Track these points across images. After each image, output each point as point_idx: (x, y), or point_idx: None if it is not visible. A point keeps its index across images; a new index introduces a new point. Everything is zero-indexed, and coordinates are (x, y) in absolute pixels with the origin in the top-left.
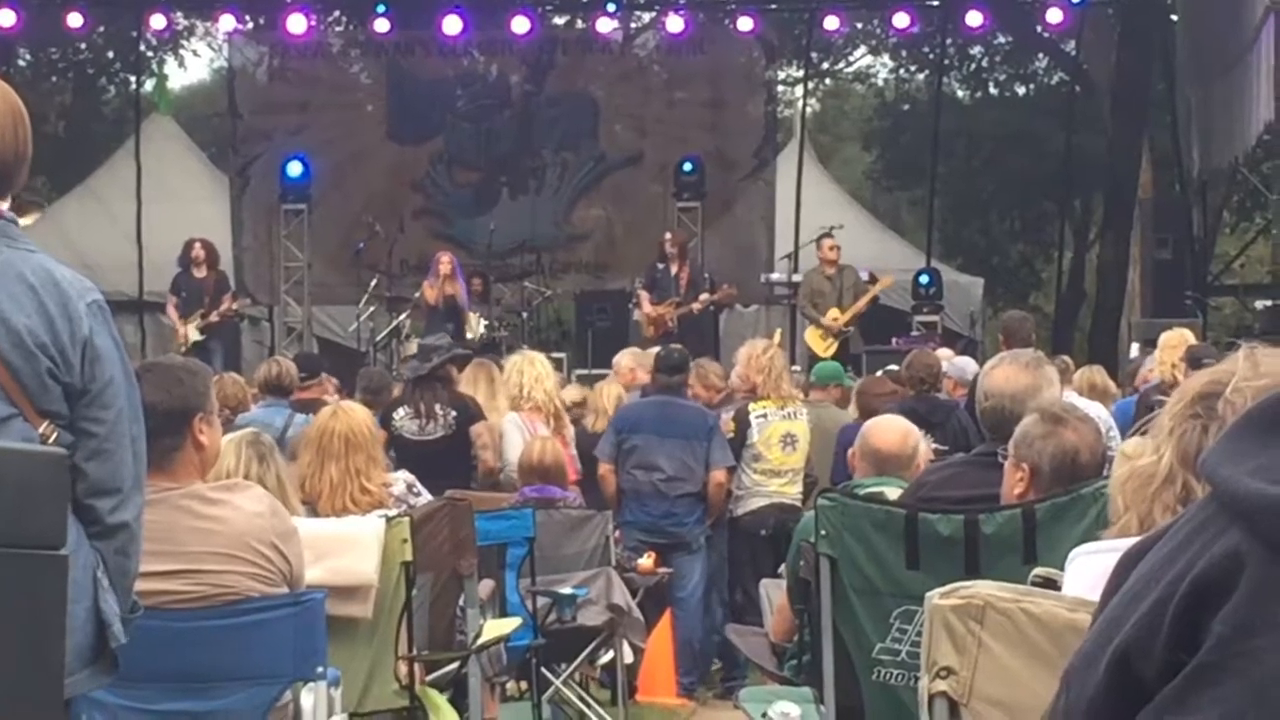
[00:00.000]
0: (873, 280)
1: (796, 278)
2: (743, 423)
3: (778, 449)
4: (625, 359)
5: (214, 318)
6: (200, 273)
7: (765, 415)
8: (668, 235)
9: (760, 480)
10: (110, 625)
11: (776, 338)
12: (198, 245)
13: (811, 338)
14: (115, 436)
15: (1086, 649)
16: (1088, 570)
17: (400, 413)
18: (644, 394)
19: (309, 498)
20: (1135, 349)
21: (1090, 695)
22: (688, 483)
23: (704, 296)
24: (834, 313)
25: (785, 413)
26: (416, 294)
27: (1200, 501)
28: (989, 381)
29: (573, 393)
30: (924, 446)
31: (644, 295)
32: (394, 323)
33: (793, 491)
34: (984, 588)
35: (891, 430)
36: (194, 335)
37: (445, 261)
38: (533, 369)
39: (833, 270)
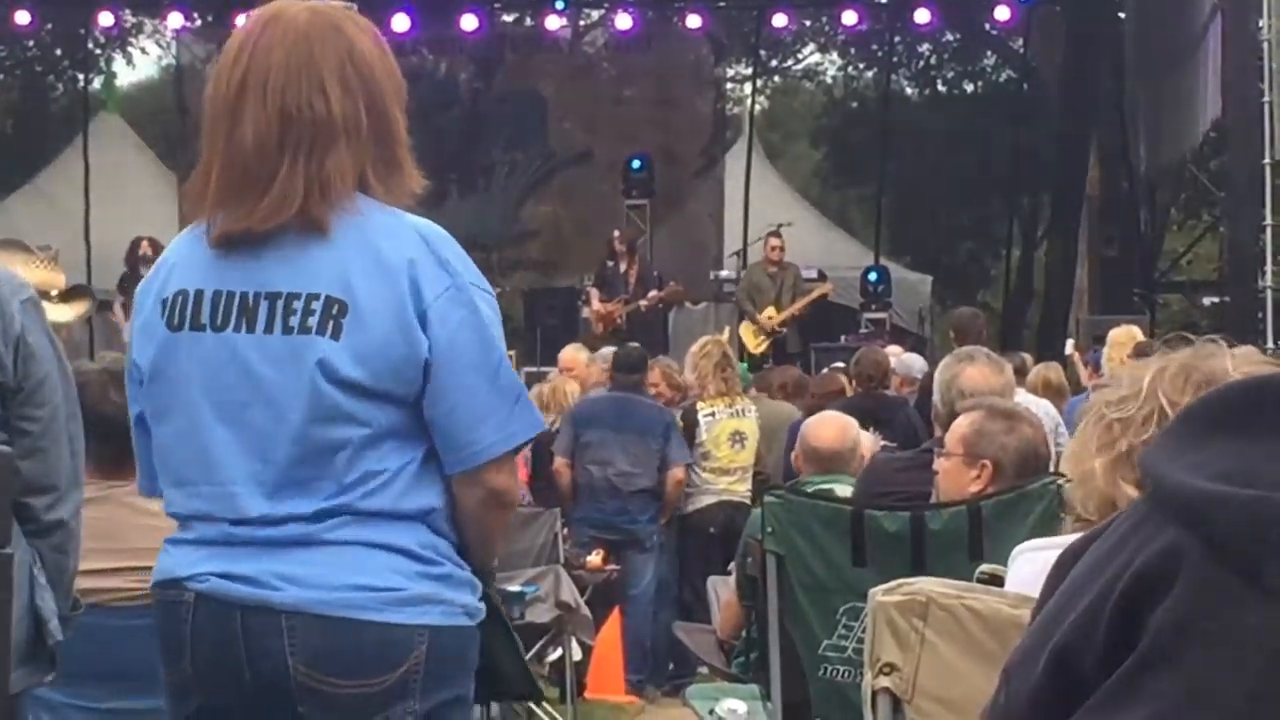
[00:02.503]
0: (821, 278)
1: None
2: (691, 421)
3: (726, 447)
4: (569, 353)
5: None
6: (147, 271)
7: (714, 414)
8: (616, 233)
9: (709, 478)
10: (47, 622)
11: (725, 335)
12: (145, 243)
13: (745, 333)
14: (51, 434)
15: (1026, 645)
16: (1031, 567)
17: None
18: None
19: None
20: (1070, 345)
21: (1029, 691)
22: (642, 478)
23: (653, 294)
24: (770, 311)
25: (733, 410)
26: None
27: (1138, 499)
28: (965, 380)
29: None
30: (867, 441)
31: (593, 293)
32: None
33: (741, 489)
34: (927, 584)
35: (829, 427)
36: None
37: None
38: None
39: (775, 268)
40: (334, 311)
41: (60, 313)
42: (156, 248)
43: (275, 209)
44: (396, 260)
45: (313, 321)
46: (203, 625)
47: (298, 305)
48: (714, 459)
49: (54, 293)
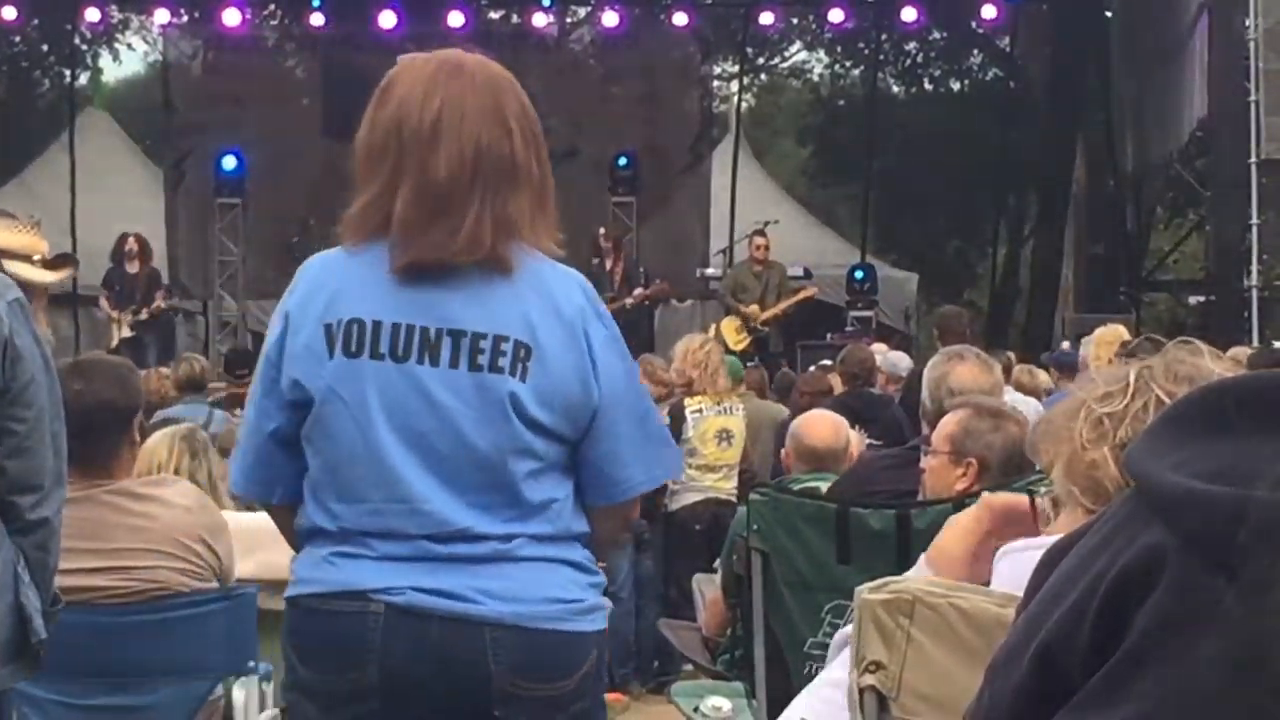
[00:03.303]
0: (807, 276)
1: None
2: (678, 418)
3: (713, 444)
4: None
5: (144, 315)
6: (133, 267)
7: (701, 410)
8: (602, 230)
9: (695, 475)
10: (31, 620)
11: (712, 332)
12: (131, 239)
13: (727, 329)
14: (36, 434)
15: (1010, 645)
16: (1016, 567)
17: None
18: None
19: None
20: (1065, 345)
21: (1013, 691)
22: None
23: (638, 291)
24: (754, 308)
25: (721, 408)
26: None
27: (1123, 497)
28: (955, 379)
29: None
30: (853, 439)
31: None
32: None
33: (728, 486)
34: (913, 582)
35: (822, 425)
36: (125, 331)
37: None
38: None
39: (760, 267)
40: (521, 354)
41: (43, 275)
42: (142, 243)
43: (470, 246)
44: (571, 311)
45: (504, 362)
46: (395, 635)
47: (485, 345)
48: (700, 456)
49: (36, 257)
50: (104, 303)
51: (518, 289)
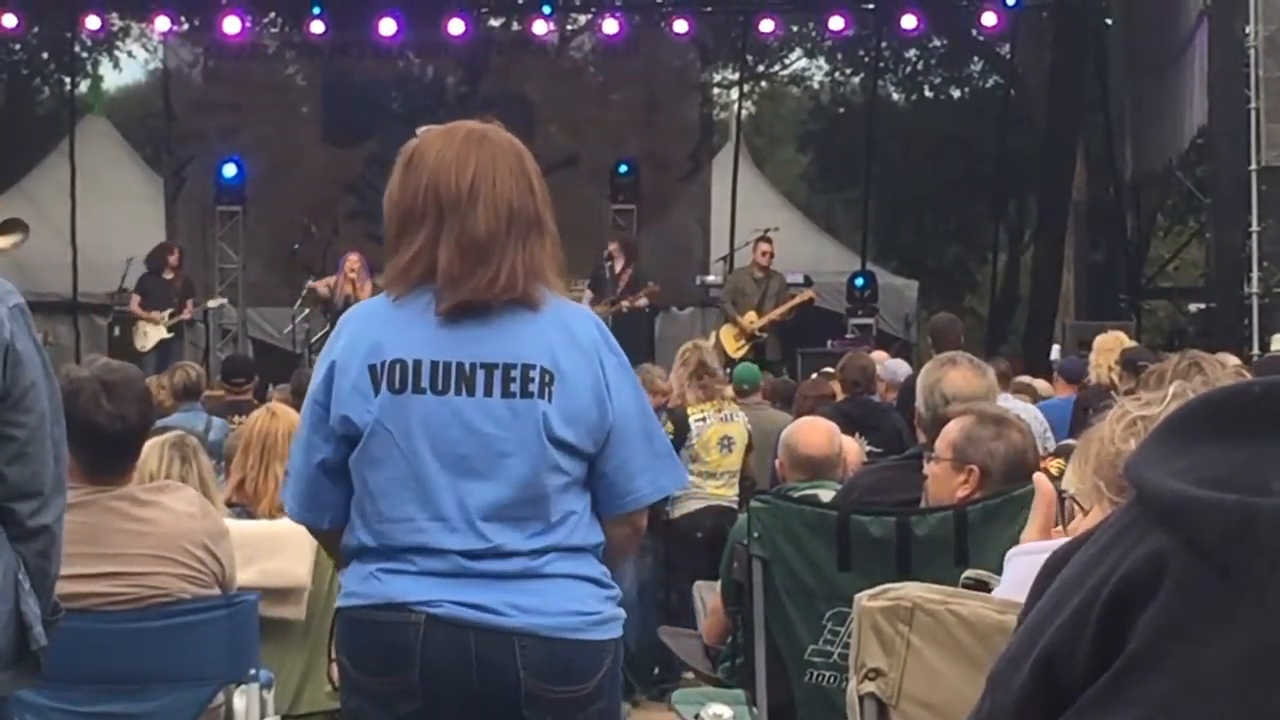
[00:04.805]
0: (807, 283)
1: None
2: (681, 424)
3: (715, 451)
4: None
5: (185, 315)
6: (170, 275)
7: (705, 418)
8: (613, 245)
9: (697, 482)
10: (32, 628)
11: (712, 340)
12: (176, 252)
13: (725, 335)
14: (37, 440)
15: (1011, 652)
16: (1025, 569)
17: None
18: None
19: (249, 499)
20: (1056, 350)
21: (1014, 699)
22: None
23: (630, 297)
24: (751, 315)
25: (723, 415)
26: (307, 287)
27: (1125, 505)
28: (948, 385)
29: None
30: (854, 446)
31: (586, 294)
32: (326, 325)
33: (729, 494)
34: (912, 589)
35: (815, 433)
36: (163, 333)
37: (353, 261)
38: None
39: (761, 274)
40: (546, 379)
41: None
42: (182, 257)
43: (508, 288)
44: (587, 341)
45: (533, 388)
46: (436, 643)
47: (515, 374)
48: (702, 462)
49: None
50: (135, 307)
51: (540, 324)
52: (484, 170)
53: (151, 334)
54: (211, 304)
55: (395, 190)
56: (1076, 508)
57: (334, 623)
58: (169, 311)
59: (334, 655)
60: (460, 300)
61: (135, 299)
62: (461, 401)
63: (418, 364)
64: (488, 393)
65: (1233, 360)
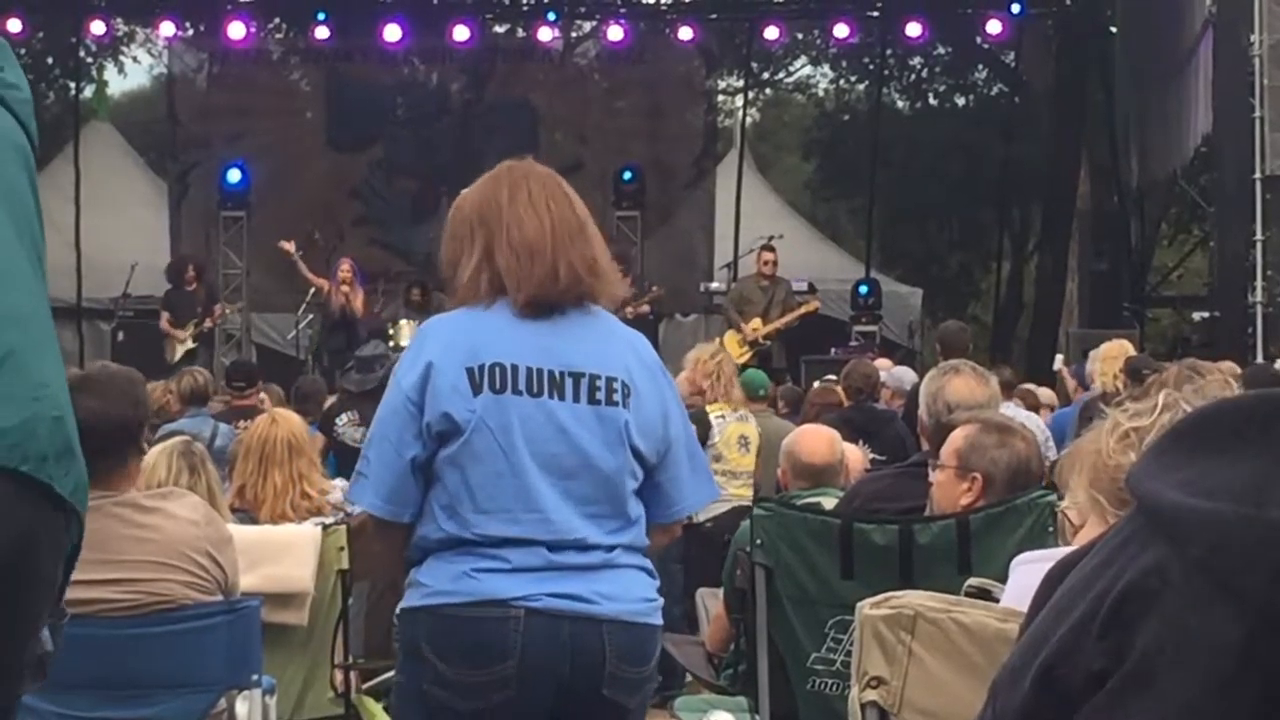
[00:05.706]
0: (811, 290)
1: None
2: (703, 423)
3: (735, 449)
4: None
5: (208, 324)
6: (192, 286)
7: (723, 416)
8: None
9: (721, 483)
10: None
11: (718, 343)
12: (191, 267)
13: (729, 342)
14: None
15: (1013, 662)
16: (1030, 578)
17: (343, 419)
18: None
19: (250, 505)
20: (1059, 360)
21: (1016, 708)
22: None
23: (634, 303)
24: (755, 323)
25: (739, 415)
26: (312, 292)
27: (1126, 516)
28: (951, 393)
29: None
30: (857, 453)
31: None
32: (323, 330)
33: (747, 494)
34: (914, 597)
35: (817, 441)
36: (190, 344)
37: (344, 268)
38: None
39: (766, 282)
40: (625, 392)
41: None
42: (199, 268)
43: (571, 285)
44: (651, 361)
45: (617, 398)
46: (535, 634)
47: (600, 384)
48: (725, 461)
49: None
50: (164, 324)
51: (613, 341)
52: (519, 186)
53: (179, 346)
54: (230, 312)
55: (449, 225)
56: (1067, 522)
57: (339, 626)
58: (193, 322)
59: (412, 650)
60: (531, 295)
61: (164, 316)
62: (554, 404)
63: (514, 368)
64: (576, 398)
65: (1224, 366)
